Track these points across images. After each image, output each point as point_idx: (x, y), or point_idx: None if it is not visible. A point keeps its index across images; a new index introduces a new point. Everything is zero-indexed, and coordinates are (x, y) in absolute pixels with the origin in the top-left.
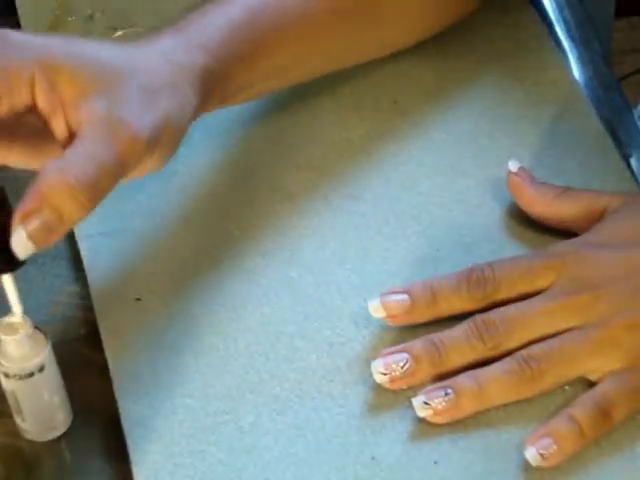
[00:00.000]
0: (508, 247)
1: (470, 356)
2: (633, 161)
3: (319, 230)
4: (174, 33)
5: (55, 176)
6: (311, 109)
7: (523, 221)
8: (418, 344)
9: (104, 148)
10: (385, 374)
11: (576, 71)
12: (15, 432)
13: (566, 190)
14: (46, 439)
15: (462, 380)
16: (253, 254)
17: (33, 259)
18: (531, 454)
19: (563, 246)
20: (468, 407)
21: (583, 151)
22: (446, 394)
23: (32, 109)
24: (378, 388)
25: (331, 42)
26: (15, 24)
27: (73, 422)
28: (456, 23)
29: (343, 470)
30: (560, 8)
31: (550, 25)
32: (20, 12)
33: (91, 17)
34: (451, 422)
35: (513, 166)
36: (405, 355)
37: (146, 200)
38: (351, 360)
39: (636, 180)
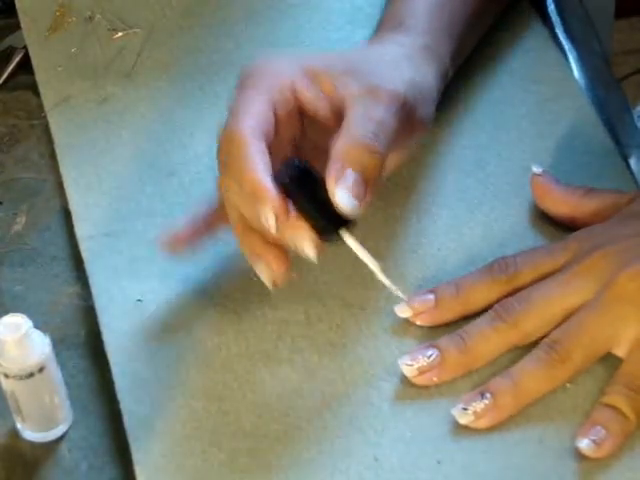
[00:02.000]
0: (509, 245)
1: (494, 339)
2: (632, 161)
3: None
4: (403, 33)
5: (345, 141)
6: None
7: (524, 219)
8: (443, 338)
9: (372, 108)
10: (412, 365)
11: (576, 71)
12: (15, 432)
13: (591, 190)
14: (46, 440)
15: (496, 380)
16: None
17: (32, 259)
18: (585, 444)
19: (580, 232)
20: (508, 405)
21: (583, 151)
22: (483, 397)
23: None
24: (380, 388)
25: (485, 25)
26: (15, 25)
27: (73, 423)
28: None
29: (346, 471)
30: (560, 8)
31: (550, 25)
32: (20, 13)
33: (91, 18)
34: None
35: (537, 168)
36: (431, 348)
37: (146, 201)
38: (353, 361)
39: (635, 180)
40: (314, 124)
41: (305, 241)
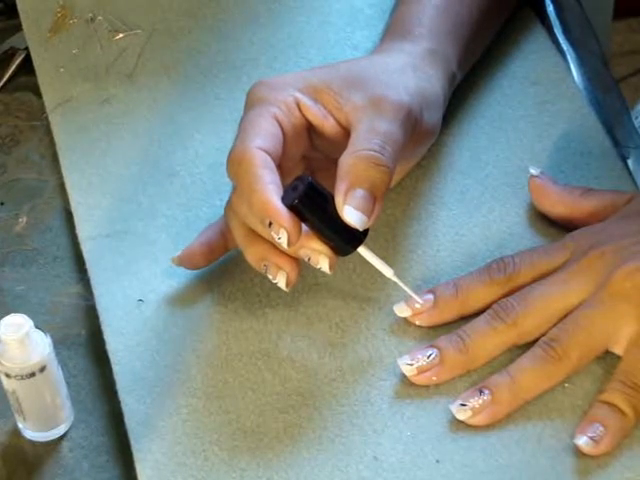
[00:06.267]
0: (508, 246)
1: (493, 338)
2: (631, 162)
3: None
4: (408, 40)
5: (352, 157)
6: None
7: (522, 220)
8: (442, 338)
9: (377, 120)
10: (411, 364)
11: (575, 72)
12: (16, 432)
13: (588, 190)
14: (47, 439)
15: (494, 377)
16: None
17: (33, 259)
18: (583, 441)
19: (577, 231)
20: (505, 402)
21: (581, 152)
22: (482, 393)
23: (308, 129)
24: (380, 388)
25: (490, 32)
26: (16, 26)
27: (74, 422)
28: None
29: (346, 470)
30: (559, 10)
31: (549, 26)
32: (21, 15)
33: (92, 20)
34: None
35: (534, 170)
36: (431, 348)
37: (147, 201)
38: (353, 360)
39: (634, 181)
40: (323, 138)
41: (320, 258)
